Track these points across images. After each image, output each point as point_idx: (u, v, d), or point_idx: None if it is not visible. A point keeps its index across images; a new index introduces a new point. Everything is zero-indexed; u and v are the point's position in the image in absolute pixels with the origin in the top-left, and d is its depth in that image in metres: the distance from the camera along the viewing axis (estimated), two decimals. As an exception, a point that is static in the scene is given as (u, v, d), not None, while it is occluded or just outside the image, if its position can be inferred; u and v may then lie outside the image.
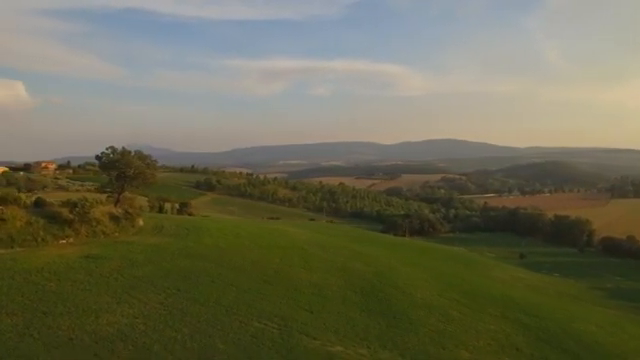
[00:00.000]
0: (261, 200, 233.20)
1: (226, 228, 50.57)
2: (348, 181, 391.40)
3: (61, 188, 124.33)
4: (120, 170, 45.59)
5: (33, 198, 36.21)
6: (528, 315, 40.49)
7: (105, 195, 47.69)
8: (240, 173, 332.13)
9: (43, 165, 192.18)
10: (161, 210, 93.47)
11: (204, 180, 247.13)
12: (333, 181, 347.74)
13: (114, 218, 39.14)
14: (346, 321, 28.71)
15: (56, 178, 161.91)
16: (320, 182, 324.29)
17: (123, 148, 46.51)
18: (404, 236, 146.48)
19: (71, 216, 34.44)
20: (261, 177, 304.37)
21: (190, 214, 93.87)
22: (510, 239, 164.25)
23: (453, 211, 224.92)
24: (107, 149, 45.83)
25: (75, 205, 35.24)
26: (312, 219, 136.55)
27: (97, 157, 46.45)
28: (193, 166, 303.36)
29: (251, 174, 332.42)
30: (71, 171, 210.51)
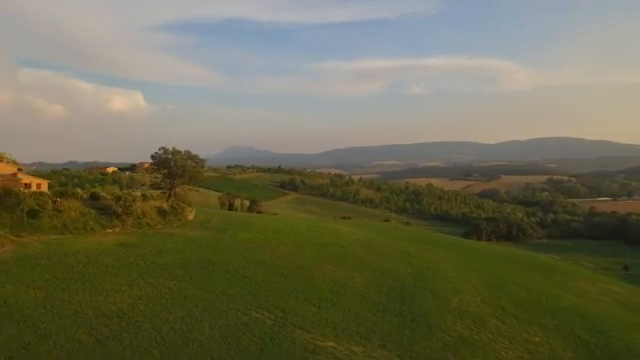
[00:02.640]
0: (342, 200, 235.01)
1: (270, 225, 52.08)
2: (441, 182, 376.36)
3: (155, 185, 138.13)
4: (170, 168, 49.71)
5: (89, 192, 41.40)
6: (591, 331, 35.96)
7: (159, 191, 52.32)
8: (327, 173, 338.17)
9: (145, 166, 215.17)
10: (231, 207, 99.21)
11: (288, 180, 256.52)
12: (425, 182, 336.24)
13: (161, 212, 42.91)
14: (353, 319, 28.11)
15: (155, 177, 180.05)
16: (407, 183, 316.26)
17: (173, 148, 50.69)
18: (488, 240, 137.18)
19: (118, 209, 38.66)
20: (345, 178, 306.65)
21: (259, 212, 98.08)
22: (617, 248, 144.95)
23: (552, 216, 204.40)
24: (159, 149, 50.41)
25: (119, 199, 39.50)
26: (386, 220, 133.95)
27: (152, 157, 51.24)
28: (280, 167, 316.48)
29: (339, 175, 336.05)
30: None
